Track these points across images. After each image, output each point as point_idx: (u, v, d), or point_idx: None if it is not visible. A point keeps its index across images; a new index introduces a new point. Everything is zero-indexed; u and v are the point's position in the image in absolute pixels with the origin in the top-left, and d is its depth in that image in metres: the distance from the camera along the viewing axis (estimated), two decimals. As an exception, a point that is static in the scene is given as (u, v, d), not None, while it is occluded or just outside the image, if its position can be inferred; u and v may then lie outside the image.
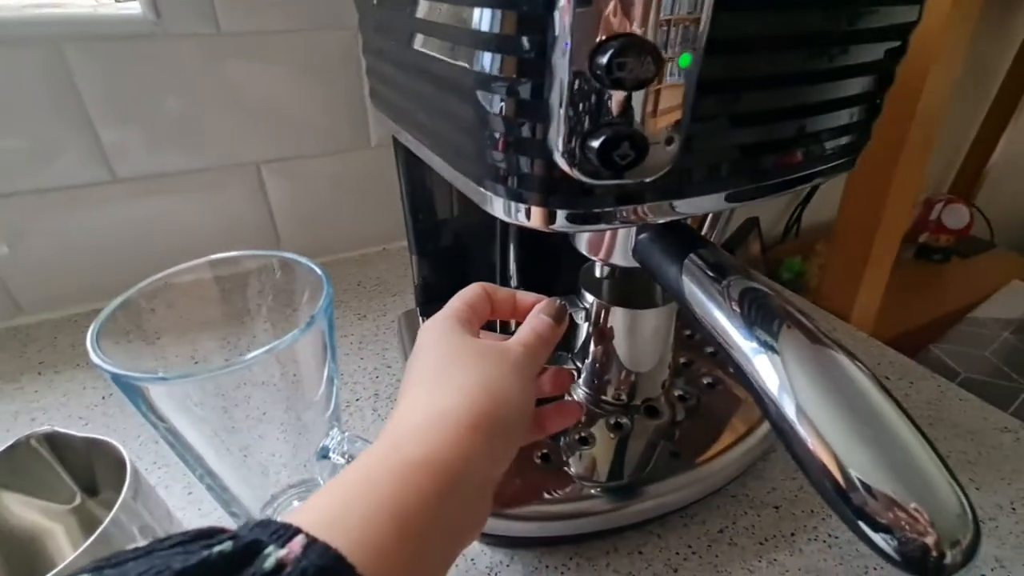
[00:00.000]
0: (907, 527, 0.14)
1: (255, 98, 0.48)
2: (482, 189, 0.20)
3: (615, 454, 0.31)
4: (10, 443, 0.22)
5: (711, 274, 0.21)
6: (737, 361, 0.19)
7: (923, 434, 0.16)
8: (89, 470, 0.25)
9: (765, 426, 0.31)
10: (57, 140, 0.42)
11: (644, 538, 0.29)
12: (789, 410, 0.17)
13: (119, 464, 0.24)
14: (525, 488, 0.28)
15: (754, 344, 0.18)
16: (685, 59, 0.15)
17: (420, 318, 0.42)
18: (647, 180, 0.18)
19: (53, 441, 0.23)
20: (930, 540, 0.14)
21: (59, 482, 0.24)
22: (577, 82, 0.15)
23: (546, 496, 0.28)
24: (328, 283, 0.22)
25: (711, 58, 0.16)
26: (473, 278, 0.42)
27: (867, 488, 0.15)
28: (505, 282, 0.37)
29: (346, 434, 0.24)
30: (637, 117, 0.16)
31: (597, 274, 0.29)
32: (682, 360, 0.36)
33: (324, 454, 0.23)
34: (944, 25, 0.37)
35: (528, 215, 0.19)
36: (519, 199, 0.19)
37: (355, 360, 0.43)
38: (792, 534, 0.30)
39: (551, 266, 0.37)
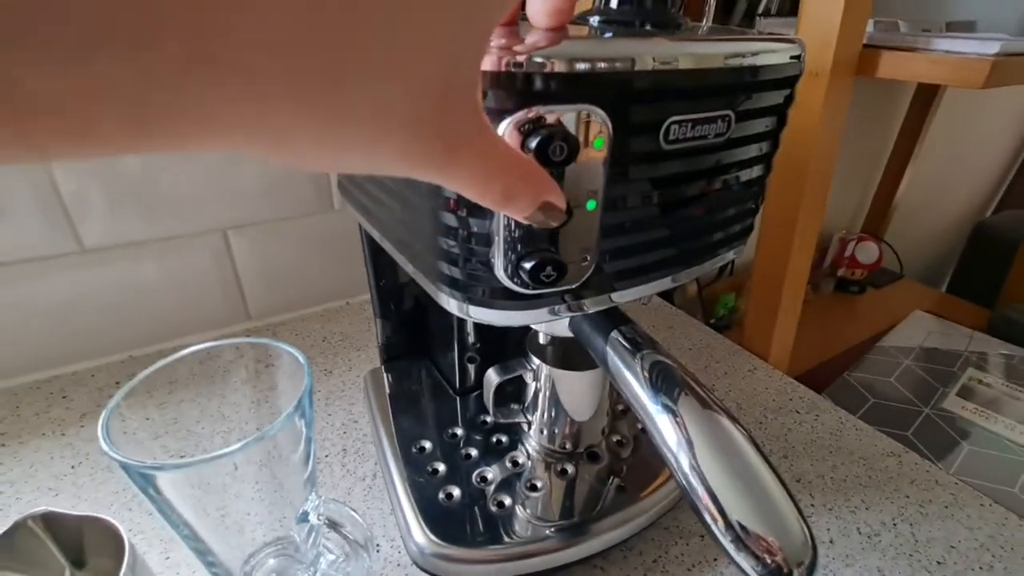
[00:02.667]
0: (767, 555, 0.19)
1: (222, 168, 0.51)
2: (437, 290, 0.24)
3: (564, 497, 0.35)
4: (9, 526, 0.24)
5: (629, 348, 0.26)
6: (645, 421, 0.24)
7: (782, 481, 0.21)
8: (78, 543, 0.27)
9: (690, 465, 0.36)
10: (18, 207, 0.44)
11: (589, 572, 0.33)
12: (685, 464, 0.22)
13: (107, 533, 0.26)
14: (484, 533, 0.32)
15: (658, 407, 0.23)
16: (591, 204, 0.21)
17: (385, 375, 0.45)
18: (572, 286, 0.23)
19: (48, 520, 0.25)
20: (781, 562, 0.19)
21: (51, 558, 0.26)
22: (511, 223, 0.20)
23: (502, 539, 0.31)
24: (308, 373, 0.25)
25: (612, 200, 0.21)
26: (435, 338, 0.46)
27: (743, 528, 0.20)
28: (463, 344, 0.41)
29: (323, 498, 0.27)
30: (558, 245, 0.21)
31: (541, 341, 0.34)
32: (619, 407, 0.41)
33: (303, 518, 0.26)
34: (819, 115, 0.45)
35: (479, 313, 0.23)
36: (470, 302, 0.23)
37: (322, 416, 0.46)
38: (715, 559, 0.34)
39: (505, 330, 0.42)
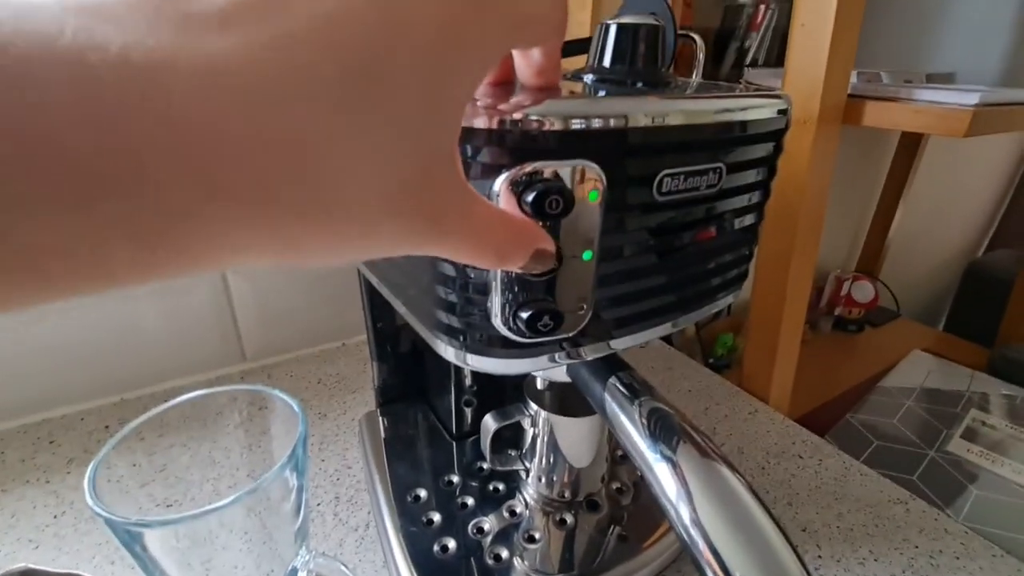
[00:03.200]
0: (772, 616, 0.19)
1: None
2: (435, 338, 0.24)
3: (563, 548, 0.34)
4: (-14, 585, 0.23)
5: (627, 394, 0.26)
6: (644, 469, 0.23)
7: (785, 534, 0.21)
8: (56, 602, 0.26)
9: (692, 514, 0.36)
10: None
11: (590, 630, 0.32)
12: (685, 516, 0.21)
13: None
14: (480, 589, 0.30)
15: (657, 455, 0.23)
16: (587, 254, 0.21)
17: (380, 419, 0.44)
18: (569, 335, 0.23)
19: (26, 578, 0.24)
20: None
21: (27, 618, 0.25)
22: (508, 274, 0.20)
23: (499, 596, 0.30)
24: (303, 421, 0.25)
25: (608, 250, 0.21)
26: (431, 381, 0.45)
27: (747, 585, 0.19)
28: (460, 388, 0.40)
29: (313, 553, 0.26)
30: (555, 294, 0.21)
31: (539, 386, 0.33)
32: (619, 453, 0.40)
33: (292, 574, 0.25)
34: (808, 161, 0.46)
35: (477, 362, 0.23)
36: (468, 350, 0.23)
37: (315, 462, 0.45)
38: (721, 616, 0.33)
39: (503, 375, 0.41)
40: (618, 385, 0.26)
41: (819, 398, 0.80)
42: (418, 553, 0.32)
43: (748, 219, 0.27)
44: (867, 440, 0.68)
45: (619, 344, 0.26)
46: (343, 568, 0.27)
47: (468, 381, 0.41)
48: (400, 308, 0.28)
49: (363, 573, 0.35)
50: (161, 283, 0.50)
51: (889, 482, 0.44)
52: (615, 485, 0.37)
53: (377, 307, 0.42)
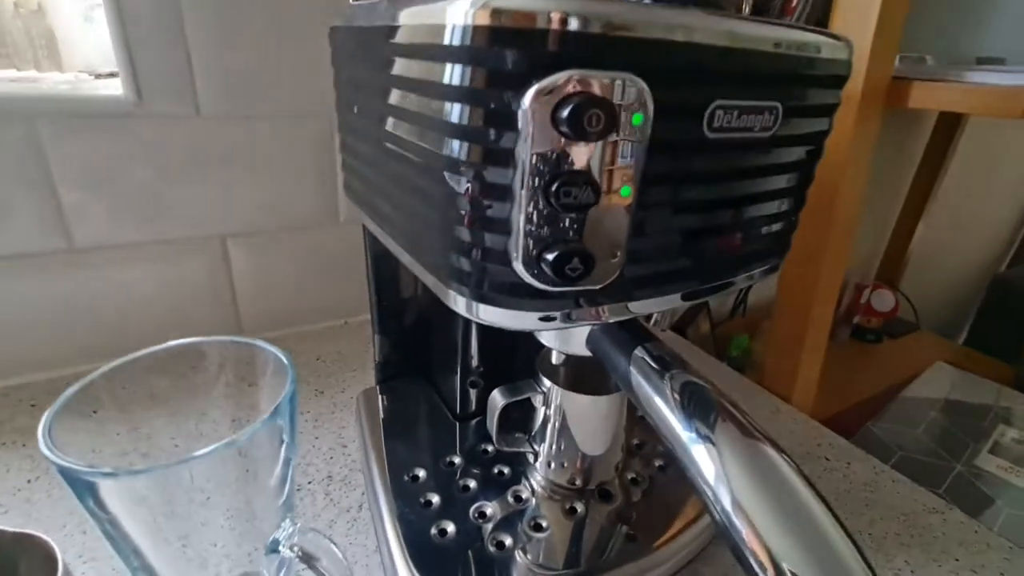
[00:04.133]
0: (832, 619, 0.16)
1: (226, 175, 0.49)
2: (445, 287, 0.22)
3: (570, 540, 0.31)
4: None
5: (655, 367, 0.23)
6: (677, 450, 0.20)
7: (842, 525, 0.18)
8: (13, 563, 0.23)
9: (714, 510, 0.33)
10: (14, 205, 0.42)
11: (599, 631, 0.29)
12: (726, 501, 0.18)
13: (47, 558, 0.22)
14: (480, 579, 0.28)
15: (692, 435, 0.20)
16: (625, 190, 0.18)
17: (380, 396, 0.42)
18: (596, 287, 0.20)
19: (-23, 536, 0.22)
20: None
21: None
22: (533, 204, 0.17)
23: (501, 588, 0.27)
24: (292, 371, 0.22)
25: (649, 190, 0.19)
26: (436, 359, 0.43)
27: (798, 580, 0.16)
28: (466, 366, 0.38)
29: (298, 525, 0.23)
30: (585, 236, 0.18)
31: (553, 361, 0.30)
32: (635, 442, 0.37)
33: (274, 547, 0.22)
34: (849, 143, 0.43)
35: (488, 314, 0.21)
36: (480, 299, 0.20)
37: (309, 439, 0.42)
38: (743, 623, 0.30)
39: (511, 349, 0.38)
40: (646, 357, 0.23)
41: (836, 406, 0.77)
42: (413, 535, 0.29)
43: (798, 178, 0.25)
44: (889, 450, 0.65)
45: (644, 307, 0.23)
46: (332, 546, 0.24)
47: (475, 361, 0.39)
48: (408, 261, 0.25)
49: (353, 557, 0.32)
50: (158, 250, 0.48)
51: (924, 490, 0.41)
52: (630, 475, 0.35)
53: (383, 275, 0.40)
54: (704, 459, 0.19)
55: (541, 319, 0.21)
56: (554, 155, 0.17)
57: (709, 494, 0.19)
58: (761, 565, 0.17)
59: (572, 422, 0.31)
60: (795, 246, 0.53)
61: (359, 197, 0.31)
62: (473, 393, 0.39)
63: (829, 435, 0.47)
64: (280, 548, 0.22)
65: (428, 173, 0.20)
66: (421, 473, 0.33)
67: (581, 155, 0.17)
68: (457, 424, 0.39)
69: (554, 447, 0.32)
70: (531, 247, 0.18)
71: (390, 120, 0.23)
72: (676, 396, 0.21)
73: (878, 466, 0.43)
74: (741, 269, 0.25)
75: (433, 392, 0.42)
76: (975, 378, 0.84)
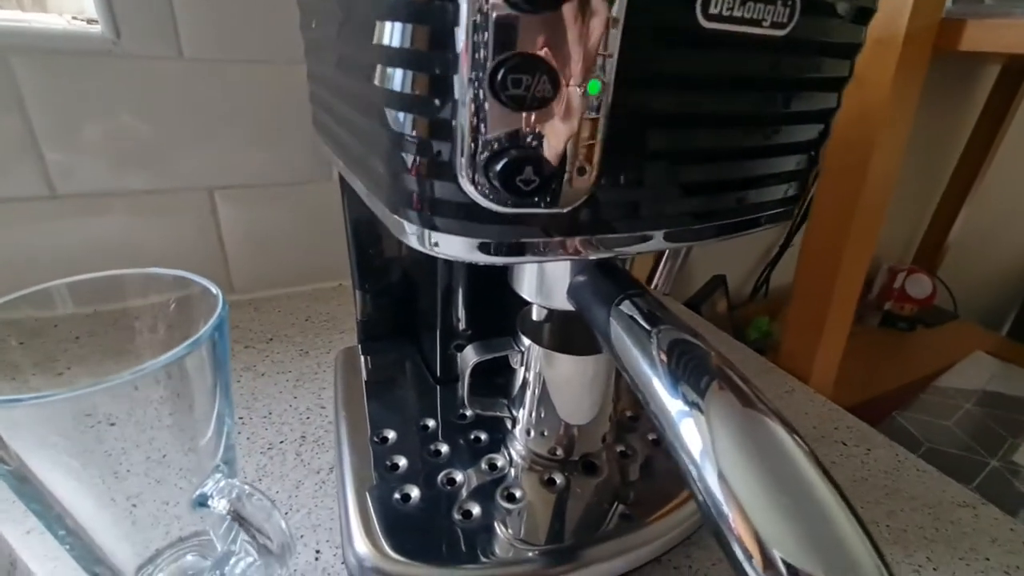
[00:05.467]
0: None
1: (214, 124, 0.47)
2: (396, 217, 0.19)
3: (552, 514, 0.28)
4: None
5: (641, 322, 0.20)
6: (658, 418, 0.17)
7: (855, 512, 0.14)
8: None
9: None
10: (-5, 150, 0.41)
11: (573, 613, 0.26)
12: (710, 478, 0.15)
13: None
14: (443, 547, 0.25)
15: (678, 402, 0.17)
16: (593, 86, 0.15)
17: (361, 356, 0.39)
18: (564, 211, 0.17)
19: None
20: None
21: None
22: (477, 101, 0.14)
23: (464, 557, 0.25)
24: (223, 304, 0.20)
25: (626, 91, 0.15)
26: (419, 318, 0.40)
27: (790, 569, 0.13)
28: (448, 324, 0.35)
29: (234, 481, 0.21)
30: (544, 142, 0.15)
31: (535, 316, 0.27)
32: (628, 415, 0.34)
33: (202, 501, 0.20)
34: (888, 94, 0.38)
35: (438, 243, 0.18)
36: (430, 226, 0.17)
37: (287, 399, 0.40)
38: (736, 614, 0.27)
39: (497, 306, 0.36)
40: (630, 310, 0.20)
41: (859, 395, 0.72)
42: (372, 498, 0.26)
43: (819, 104, 0.21)
44: (916, 441, 0.60)
45: (621, 244, 0.19)
46: (271, 507, 0.21)
47: (460, 323, 0.36)
48: (362, 190, 0.22)
49: (319, 519, 0.30)
50: (142, 201, 0.46)
51: (953, 482, 0.37)
52: (620, 447, 0.31)
53: (362, 227, 0.37)
54: (690, 429, 0.16)
55: (498, 249, 0.17)
56: (500, 32, 0.13)
57: (693, 471, 0.16)
58: (747, 552, 0.14)
59: (553, 386, 0.28)
60: (820, 210, 0.49)
61: (324, 128, 0.28)
62: (456, 357, 0.37)
63: (848, 418, 0.43)
64: (209, 503, 0.20)
65: (367, 72, 0.17)
66: (390, 435, 0.31)
67: (533, 32, 0.13)
68: (438, 388, 0.36)
69: (533, 413, 0.29)
70: (476, 154, 0.15)
71: (336, 26, 0.20)
72: (662, 355, 0.18)
73: (902, 453, 0.39)
74: (742, 211, 0.21)
75: (417, 353, 0.40)
76: (1018, 369, 0.78)
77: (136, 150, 0.45)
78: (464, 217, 0.17)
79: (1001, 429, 0.62)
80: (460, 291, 0.34)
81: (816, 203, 0.48)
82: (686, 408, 0.16)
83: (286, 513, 0.31)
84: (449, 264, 0.33)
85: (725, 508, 0.15)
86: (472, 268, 0.33)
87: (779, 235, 0.88)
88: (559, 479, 0.29)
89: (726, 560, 0.15)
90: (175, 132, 0.46)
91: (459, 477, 0.28)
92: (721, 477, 0.15)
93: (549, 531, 0.27)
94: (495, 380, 0.35)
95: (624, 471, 0.30)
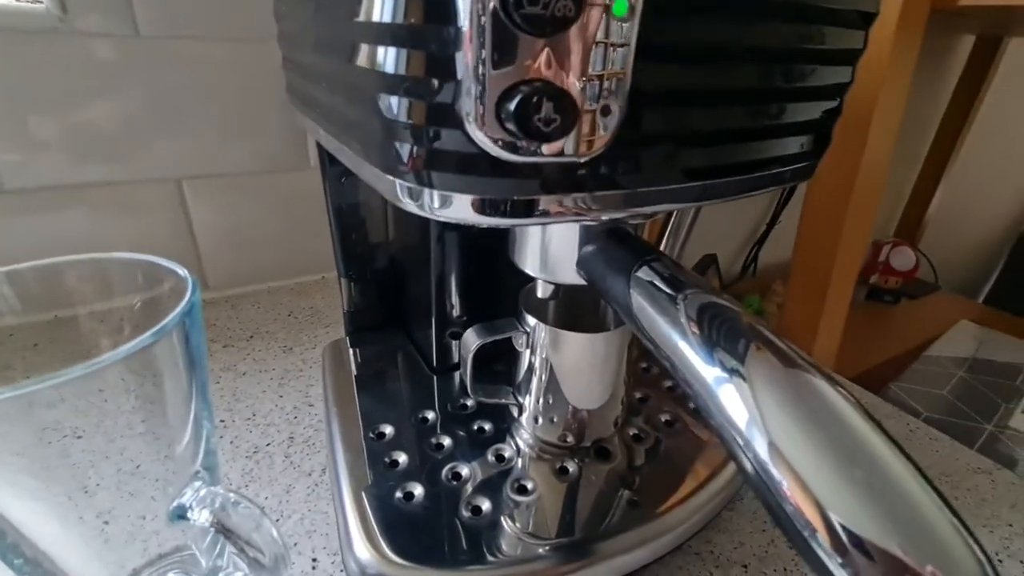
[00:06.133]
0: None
1: (179, 108, 0.43)
2: (390, 178, 0.16)
3: (563, 505, 0.26)
4: None
5: (664, 288, 0.18)
6: (695, 390, 0.15)
7: (924, 475, 0.13)
8: None
9: (730, 470, 0.28)
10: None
11: (594, 609, 0.24)
12: (760, 447, 0.13)
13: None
14: (451, 547, 0.23)
15: (717, 369, 0.15)
16: (620, 7, 0.13)
17: (349, 349, 0.37)
18: (586, 158, 0.15)
19: None
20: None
21: None
22: (486, 26, 0.12)
23: (474, 558, 0.23)
24: (194, 287, 0.17)
25: (658, 15, 0.13)
26: (410, 305, 0.38)
27: (860, 545, 0.12)
28: (443, 309, 0.33)
29: (217, 489, 0.19)
30: (564, 75, 0.13)
31: (540, 294, 0.25)
32: (638, 396, 0.33)
33: (180, 513, 0.18)
34: (888, 52, 0.37)
35: (440, 203, 0.15)
36: (430, 183, 0.15)
37: (272, 398, 0.38)
38: (765, 598, 0.25)
39: (496, 288, 0.33)
40: (651, 277, 0.18)
41: (855, 368, 0.72)
42: (374, 500, 0.24)
43: (845, 42, 0.19)
44: (914, 411, 0.60)
45: (649, 202, 0.18)
46: (262, 516, 0.19)
47: (455, 309, 0.34)
48: (349, 158, 0.20)
49: (313, 524, 0.28)
50: (104, 194, 0.43)
51: (966, 448, 0.36)
52: (632, 431, 0.30)
53: (345, 209, 0.35)
54: (732, 398, 0.14)
55: (513, 211, 0.15)
56: (513, -62, 0.11)
57: (739, 441, 0.14)
58: (806, 523, 0.12)
59: (562, 367, 0.26)
60: (818, 185, 0.48)
61: (299, 93, 0.25)
62: (453, 344, 0.34)
63: (855, 390, 0.42)
64: (189, 515, 0.18)
65: (347, 9, 0.15)
66: (388, 430, 0.29)
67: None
68: (434, 378, 0.34)
69: (541, 399, 0.27)
70: (485, 92, 0.13)
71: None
72: (693, 322, 0.16)
73: (912, 422, 0.38)
74: (773, 162, 0.20)
75: (409, 343, 0.37)
76: (1003, 336, 0.79)
77: (93, 139, 0.41)
78: (470, 171, 0.15)
79: (994, 395, 0.63)
80: (455, 274, 0.32)
81: (813, 179, 0.47)
82: (725, 375, 0.15)
83: (277, 520, 0.28)
84: (443, 245, 0.31)
85: (780, 480, 0.13)
86: (469, 248, 0.31)
87: (766, 213, 0.88)
88: (571, 467, 0.27)
89: (786, 538, 0.13)
90: (135, 118, 0.42)
91: (464, 471, 0.26)
92: (773, 447, 0.13)
93: (565, 523, 0.25)
94: (495, 367, 0.33)
95: (638, 455, 0.28)
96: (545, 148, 0.13)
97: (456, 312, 0.34)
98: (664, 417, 0.31)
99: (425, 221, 0.30)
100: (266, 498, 0.30)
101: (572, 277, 0.23)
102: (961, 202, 1.15)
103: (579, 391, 0.27)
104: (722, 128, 0.17)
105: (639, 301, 0.18)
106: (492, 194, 0.15)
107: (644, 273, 0.19)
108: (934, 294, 1.03)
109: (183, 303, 0.16)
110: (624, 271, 0.19)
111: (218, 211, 0.48)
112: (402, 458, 0.27)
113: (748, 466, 0.13)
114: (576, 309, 0.27)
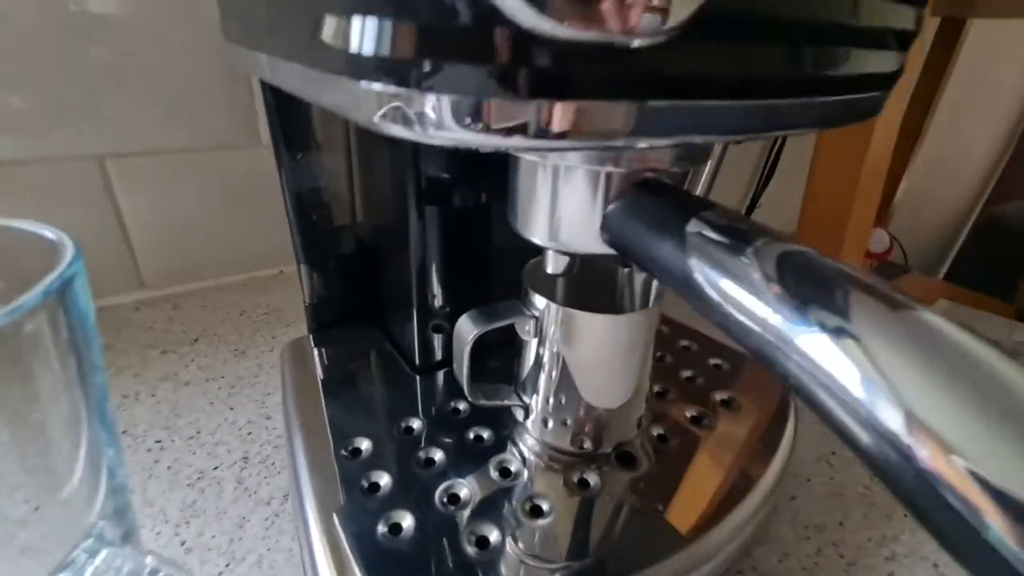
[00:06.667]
0: None
1: (98, 74, 0.37)
2: (367, 85, 0.11)
3: (585, 527, 0.21)
4: None
5: (728, 241, 0.14)
6: (787, 356, 0.11)
7: None
8: None
9: (772, 474, 0.24)
10: None
11: (630, 652, 0.20)
12: (892, 419, 0.10)
13: None
14: (453, 595, 0.18)
15: (813, 328, 0.11)
16: None
17: (313, 348, 0.31)
18: (633, 45, 0.10)
19: None
20: None
21: None
22: None
23: (486, 606, 0.18)
24: (75, 252, 0.12)
25: None
26: (385, 295, 0.33)
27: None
28: (425, 298, 0.28)
29: (124, 549, 0.13)
30: None
31: (551, 269, 0.21)
32: (655, 389, 0.28)
33: (66, 589, 0.12)
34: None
35: (435, 118, 0.10)
36: (419, 83, 0.10)
37: (221, 412, 0.32)
38: (825, 622, 0.22)
39: (485, 275, 0.29)
40: (707, 231, 0.14)
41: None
42: (350, 533, 0.19)
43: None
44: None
45: (688, 126, 0.13)
46: None
47: (441, 300, 0.29)
48: (307, 81, 0.15)
49: (273, 568, 0.23)
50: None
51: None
52: (656, 431, 0.25)
53: (306, 196, 0.29)
54: (839, 362, 0.10)
55: (503, 127, 0.11)
56: None
57: (860, 412, 0.11)
58: (969, 505, 0.08)
59: (579, 358, 0.21)
60: (822, 168, 0.45)
61: (241, 29, 0.20)
62: (438, 339, 0.29)
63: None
64: (82, 587, 0.12)
65: None
66: (364, 445, 0.23)
67: None
68: (417, 378, 0.29)
69: (552, 398, 0.23)
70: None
71: None
72: (773, 277, 0.12)
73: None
74: (841, 86, 0.15)
75: (385, 339, 0.32)
76: (982, 314, 0.79)
77: (-13, 107, 0.34)
78: (479, 59, 0.10)
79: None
80: (439, 256, 0.27)
81: (818, 162, 0.44)
82: (825, 334, 0.11)
83: (227, 565, 0.22)
84: (424, 223, 0.26)
85: (924, 454, 0.09)
86: (456, 223, 0.26)
87: (744, 196, 0.86)
88: (592, 478, 0.22)
89: (935, 535, 0.09)
90: (42, 83, 0.35)
91: (463, 491, 0.21)
92: (911, 417, 0.10)
93: (592, 547, 0.20)
94: (487, 363, 0.29)
95: (666, 460, 0.24)
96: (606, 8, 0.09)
97: (440, 301, 0.29)
98: (689, 413, 0.27)
99: (401, 196, 0.25)
100: (213, 536, 0.24)
101: (593, 245, 0.18)
102: (927, 184, 1.16)
103: (599, 386, 0.22)
104: (778, 67, 0.13)
105: (701, 267, 0.14)
106: (495, 95, 0.10)
107: (697, 226, 0.14)
108: (906, 276, 1.04)
109: (52, 275, 0.11)
110: (673, 228, 0.15)
111: (152, 195, 0.42)
112: (384, 479, 0.22)
113: (870, 445, 0.10)
114: (595, 286, 0.22)
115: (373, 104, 0.11)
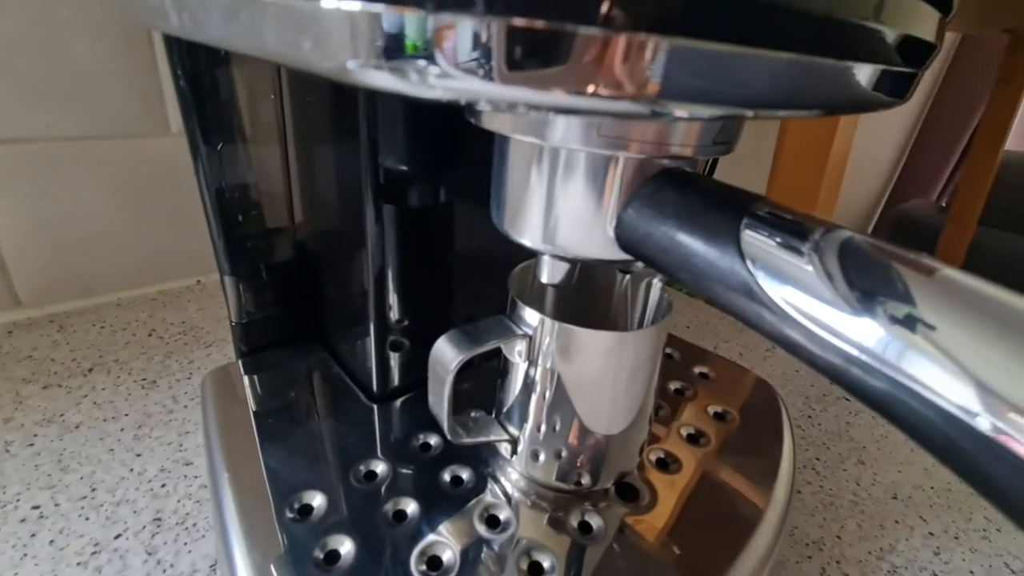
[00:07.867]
0: None
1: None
2: (313, 2, 0.07)
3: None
4: None
5: (785, 241, 0.11)
6: (854, 361, 0.10)
7: None
8: None
9: (781, 496, 0.22)
10: None
11: None
12: (985, 426, 0.08)
13: None
14: None
15: (883, 321, 0.09)
16: None
17: (243, 377, 0.26)
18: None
19: None
20: None
21: None
22: None
23: None
24: None
25: None
26: (332, 310, 0.28)
27: None
28: (383, 312, 0.23)
29: None
30: None
31: (545, 277, 0.17)
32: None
33: None
34: None
35: (446, 68, 0.07)
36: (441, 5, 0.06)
37: (124, 461, 0.26)
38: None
39: (452, 284, 0.25)
40: (759, 233, 0.12)
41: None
42: (305, 635, 0.15)
43: None
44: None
45: (721, 87, 0.10)
46: None
47: (399, 314, 0.24)
48: (247, 35, 0.10)
49: (198, 667, 0.17)
50: None
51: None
52: (654, 455, 0.23)
53: (226, 187, 0.24)
54: (912, 355, 0.09)
55: (550, 90, 0.07)
56: None
57: (942, 405, 0.09)
58: None
59: (578, 382, 0.18)
60: (784, 164, 0.44)
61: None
62: (396, 358, 0.25)
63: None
64: None
65: None
66: (316, 501, 0.19)
67: None
68: (375, 409, 0.24)
69: (543, 427, 0.19)
70: None
71: None
72: (838, 275, 0.10)
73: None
74: (886, 49, 0.13)
75: (333, 362, 0.27)
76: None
77: None
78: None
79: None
80: (400, 262, 0.23)
81: (782, 153, 0.44)
82: (899, 327, 0.09)
83: (133, 674, 0.17)
84: (382, 224, 0.21)
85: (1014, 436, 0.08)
86: (420, 223, 0.22)
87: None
88: (595, 521, 0.19)
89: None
90: None
91: (446, 554, 0.17)
92: (1003, 403, 0.08)
93: (601, 610, 0.17)
94: (458, 385, 0.25)
95: (669, 488, 0.21)
96: None
97: (400, 315, 0.24)
98: (685, 431, 0.24)
99: (355, 193, 0.20)
100: (113, 634, 0.18)
101: (601, 249, 0.15)
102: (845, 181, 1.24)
103: (601, 413, 0.19)
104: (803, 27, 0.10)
105: (758, 266, 0.11)
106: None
107: (753, 225, 0.12)
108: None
109: None
110: (723, 229, 0.12)
111: (31, 194, 0.34)
112: (345, 547, 0.17)
113: (966, 458, 0.09)
114: (588, 295, 0.19)
115: (346, 39, 0.07)
